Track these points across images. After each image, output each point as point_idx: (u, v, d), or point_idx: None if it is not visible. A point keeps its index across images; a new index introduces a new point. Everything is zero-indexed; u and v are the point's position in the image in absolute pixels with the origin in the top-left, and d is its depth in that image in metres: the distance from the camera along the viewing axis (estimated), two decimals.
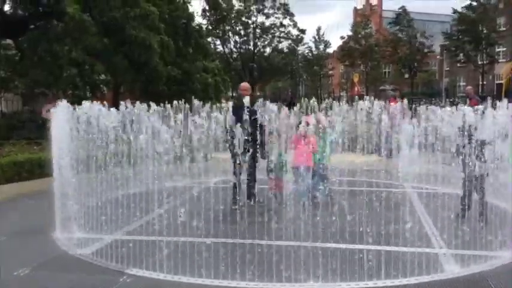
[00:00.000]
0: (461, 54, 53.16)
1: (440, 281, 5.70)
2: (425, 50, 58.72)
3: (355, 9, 68.74)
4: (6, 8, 25.16)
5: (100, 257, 6.54)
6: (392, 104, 14.85)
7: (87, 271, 6.11)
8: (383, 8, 68.81)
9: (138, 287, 5.63)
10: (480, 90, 48.41)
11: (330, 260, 5.96)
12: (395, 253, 6.28)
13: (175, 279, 5.76)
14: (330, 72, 67.11)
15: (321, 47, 63.68)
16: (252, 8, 57.48)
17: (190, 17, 31.71)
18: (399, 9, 57.76)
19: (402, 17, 57.32)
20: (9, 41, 25.89)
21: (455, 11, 51.21)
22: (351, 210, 7.19)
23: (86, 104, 7.84)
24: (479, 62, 51.77)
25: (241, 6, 56.38)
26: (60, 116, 7.71)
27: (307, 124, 8.60)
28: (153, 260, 6.16)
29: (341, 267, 5.78)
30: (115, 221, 7.15)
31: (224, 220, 7.05)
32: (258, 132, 8.20)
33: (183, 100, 17.79)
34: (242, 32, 57.99)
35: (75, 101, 8.47)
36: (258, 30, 58.39)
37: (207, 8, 51.82)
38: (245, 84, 9.87)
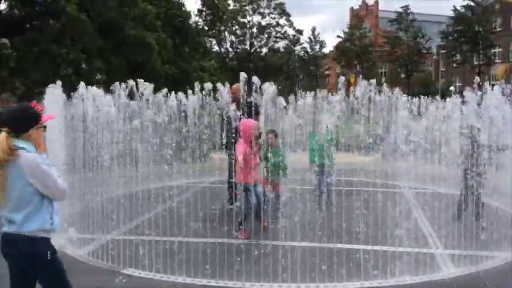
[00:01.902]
0: (457, 55, 53.28)
1: (437, 281, 5.70)
2: (424, 51, 58.82)
3: (352, 9, 68.74)
4: (3, 7, 25.10)
5: (96, 257, 6.52)
6: None
7: (83, 271, 6.07)
8: (382, 8, 68.88)
9: (134, 286, 5.60)
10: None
11: (325, 261, 5.95)
12: (391, 253, 6.27)
13: (172, 279, 5.73)
14: (326, 72, 67.15)
15: (316, 47, 63.70)
16: (247, 7, 57.46)
17: (187, 15, 31.69)
18: (402, 8, 57.80)
19: (404, 15, 57.37)
20: (4, 40, 25.81)
21: (455, 9, 51.26)
22: (348, 210, 7.19)
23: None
24: (475, 63, 51.91)
25: (236, 6, 56.34)
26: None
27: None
28: (149, 260, 6.13)
29: (337, 268, 5.78)
30: (110, 221, 7.12)
31: (220, 220, 7.03)
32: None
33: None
34: (238, 32, 57.97)
35: None
36: (254, 30, 58.38)
37: (203, 8, 51.84)
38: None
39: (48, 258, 3.46)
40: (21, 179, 3.35)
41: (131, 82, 7.17)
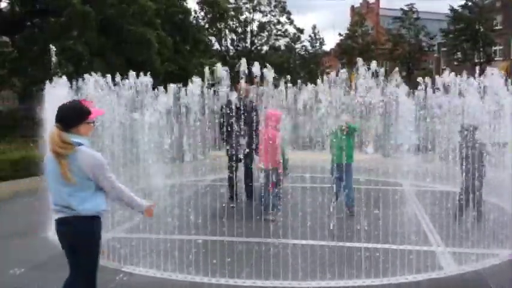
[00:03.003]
0: (458, 53, 53.22)
1: (438, 278, 5.69)
2: (426, 49, 58.73)
3: (352, 8, 68.68)
4: (3, 5, 25.09)
5: None
6: None
7: None
8: (382, 6, 68.80)
9: (135, 285, 5.59)
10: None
11: (326, 258, 5.93)
12: (392, 251, 6.25)
13: (173, 277, 5.72)
14: (327, 70, 67.07)
15: (317, 45, 63.58)
16: (247, 5, 57.32)
17: (187, 11, 31.59)
18: (407, 6, 57.64)
19: (409, 13, 57.24)
20: (5, 38, 25.78)
21: (452, 9, 51.28)
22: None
23: None
24: (476, 61, 51.83)
25: (235, 3, 56.18)
26: None
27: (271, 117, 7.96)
28: (150, 258, 6.12)
29: (338, 266, 5.76)
30: (112, 219, 7.11)
31: (221, 218, 7.01)
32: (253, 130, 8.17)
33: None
34: (239, 30, 57.85)
35: None
36: (254, 28, 58.26)
37: (202, 6, 51.71)
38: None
39: (97, 236, 3.87)
40: (80, 172, 3.67)
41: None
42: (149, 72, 7.95)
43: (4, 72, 24.44)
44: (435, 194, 7.71)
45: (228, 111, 7.83)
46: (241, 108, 8.19)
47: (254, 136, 8.19)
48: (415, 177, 9.04)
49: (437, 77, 7.27)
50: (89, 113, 3.81)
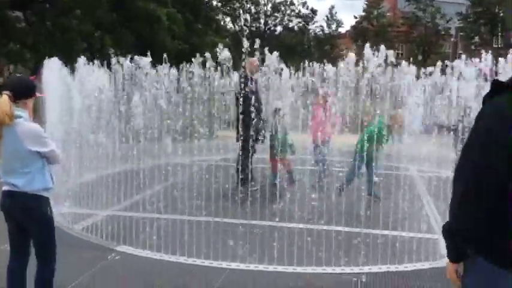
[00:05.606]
0: (476, 37, 52.21)
1: (441, 268, 5.49)
2: (443, 32, 57.61)
3: None
4: None
5: (91, 233, 6.41)
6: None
7: (77, 246, 5.95)
8: None
9: (126, 264, 5.47)
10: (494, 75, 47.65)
11: (326, 244, 5.75)
12: (394, 238, 6.07)
13: (165, 258, 5.60)
14: (342, 52, 66.28)
15: (333, 26, 62.86)
16: None
17: None
18: None
19: None
20: (18, 13, 25.66)
21: None
22: (352, 193, 6.99)
23: None
24: (494, 46, 50.81)
25: None
26: None
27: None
28: (143, 238, 6.00)
29: (344, 252, 5.59)
30: (108, 197, 7.02)
31: (218, 199, 6.87)
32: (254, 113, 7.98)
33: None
34: (253, 10, 57.35)
35: None
36: (268, 8, 57.73)
37: None
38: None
39: (49, 213, 3.87)
40: (21, 146, 3.64)
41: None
42: (160, 50, 7.85)
43: (17, 48, 24.35)
44: (441, 179, 7.50)
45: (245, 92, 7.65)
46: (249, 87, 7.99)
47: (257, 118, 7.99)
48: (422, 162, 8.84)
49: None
50: (35, 90, 3.95)
